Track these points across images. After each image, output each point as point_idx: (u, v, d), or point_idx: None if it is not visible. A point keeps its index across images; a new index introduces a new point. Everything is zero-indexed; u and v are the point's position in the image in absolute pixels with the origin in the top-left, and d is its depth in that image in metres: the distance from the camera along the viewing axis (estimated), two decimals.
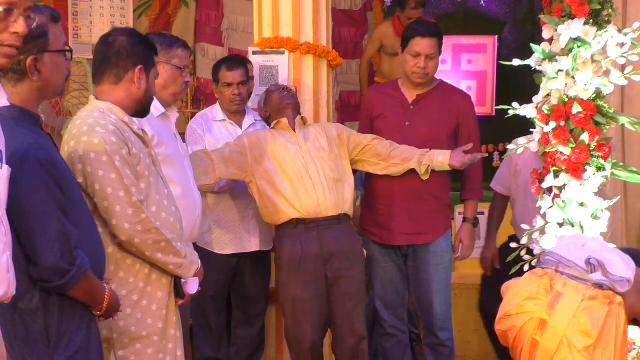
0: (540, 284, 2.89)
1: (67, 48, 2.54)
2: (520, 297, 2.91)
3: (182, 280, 3.10)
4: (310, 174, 4.22)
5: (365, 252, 4.42)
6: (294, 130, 4.33)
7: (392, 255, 4.48)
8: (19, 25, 1.98)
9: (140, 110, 3.09)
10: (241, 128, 4.64)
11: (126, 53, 3.00)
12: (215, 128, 4.62)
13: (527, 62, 3.78)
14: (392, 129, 4.41)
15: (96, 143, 2.83)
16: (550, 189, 3.71)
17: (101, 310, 2.59)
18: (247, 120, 4.68)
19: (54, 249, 2.37)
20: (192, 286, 3.16)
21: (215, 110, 4.71)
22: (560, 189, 3.67)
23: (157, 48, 3.16)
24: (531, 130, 3.81)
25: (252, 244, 4.59)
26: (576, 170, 3.61)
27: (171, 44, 3.71)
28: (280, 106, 4.37)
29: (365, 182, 4.61)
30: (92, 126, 2.86)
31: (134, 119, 3.09)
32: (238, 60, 4.73)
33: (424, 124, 4.39)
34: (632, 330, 3.70)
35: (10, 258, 2.00)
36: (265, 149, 4.26)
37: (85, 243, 2.52)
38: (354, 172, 4.44)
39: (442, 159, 4.24)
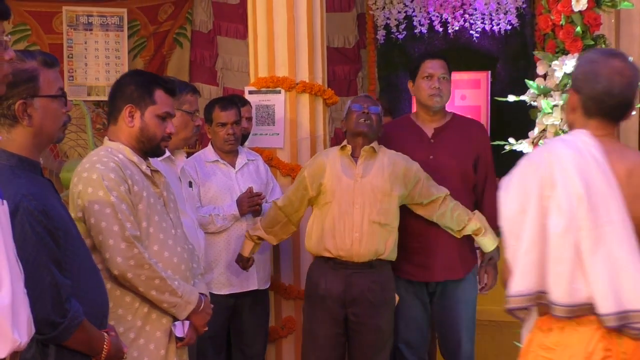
0: (602, 345, 2.55)
1: (60, 93, 2.53)
2: None
3: (173, 323, 3.06)
4: (353, 213, 4.12)
5: (397, 297, 4.30)
6: (355, 159, 4.21)
7: (419, 293, 4.40)
8: (11, 51, 2.05)
9: (146, 149, 3.12)
10: (234, 168, 4.64)
11: (119, 93, 3.10)
12: (208, 169, 4.61)
13: (522, 97, 3.81)
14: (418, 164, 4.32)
15: (94, 179, 2.91)
16: None
17: (100, 359, 2.56)
18: (240, 160, 4.67)
19: (44, 302, 2.33)
20: (178, 330, 3.07)
21: (208, 152, 4.70)
22: None
23: (163, 86, 3.15)
24: None
25: (250, 283, 4.58)
26: None
27: (180, 89, 3.74)
28: (354, 131, 4.22)
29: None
30: (94, 163, 2.96)
31: (150, 160, 3.16)
32: (231, 100, 4.74)
33: (448, 156, 4.34)
34: None
35: (26, 297, 2.02)
36: (322, 179, 4.20)
37: (84, 291, 2.50)
38: None
39: (488, 244, 4.26)
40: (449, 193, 4.23)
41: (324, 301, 4.19)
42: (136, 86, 3.09)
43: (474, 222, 4.21)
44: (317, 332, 4.23)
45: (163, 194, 3.14)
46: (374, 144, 4.22)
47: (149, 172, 3.10)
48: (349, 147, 4.22)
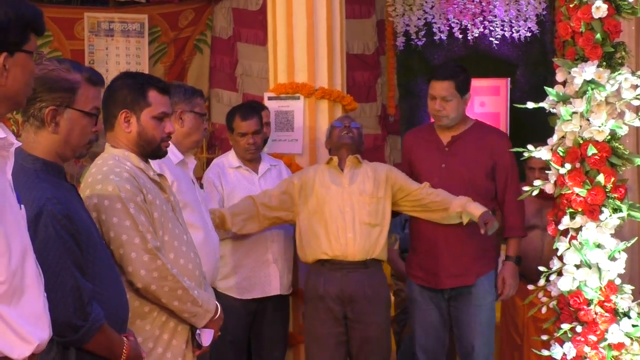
0: None
1: (94, 112, 2.54)
2: None
3: (197, 332, 3.06)
4: (344, 216, 4.30)
5: (392, 298, 4.43)
6: (342, 170, 4.41)
7: (434, 298, 4.43)
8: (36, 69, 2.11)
9: (147, 152, 3.05)
10: (257, 174, 4.67)
11: (112, 99, 3.01)
12: (231, 175, 4.64)
13: (541, 104, 3.79)
14: (429, 172, 4.41)
15: (110, 190, 2.83)
16: (566, 231, 3.71)
17: None
18: (263, 166, 4.71)
19: (66, 305, 2.34)
20: (207, 338, 3.09)
21: (231, 157, 4.73)
22: (577, 230, 3.67)
23: (156, 85, 3.07)
24: (547, 172, 3.82)
25: (273, 288, 4.60)
26: (592, 211, 3.61)
27: (192, 93, 3.84)
28: (338, 144, 4.46)
29: (411, 226, 4.59)
30: (107, 174, 2.87)
31: (154, 164, 3.13)
32: (252, 109, 4.74)
33: (460, 165, 4.37)
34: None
35: (46, 300, 2.05)
36: (312, 189, 4.39)
37: (104, 296, 2.50)
38: (394, 215, 4.46)
39: (475, 212, 4.19)
40: (428, 184, 4.34)
41: (323, 301, 4.33)
42: (129, 90, 3.00)
43: (459, 198, 4.26)
44: (319, 333, 4.36)
45: (170, 198, 3.10)
46: (358, 156, 4.43)
47: (157, 178, 3.05)
48: (335, 159, 4.45)
